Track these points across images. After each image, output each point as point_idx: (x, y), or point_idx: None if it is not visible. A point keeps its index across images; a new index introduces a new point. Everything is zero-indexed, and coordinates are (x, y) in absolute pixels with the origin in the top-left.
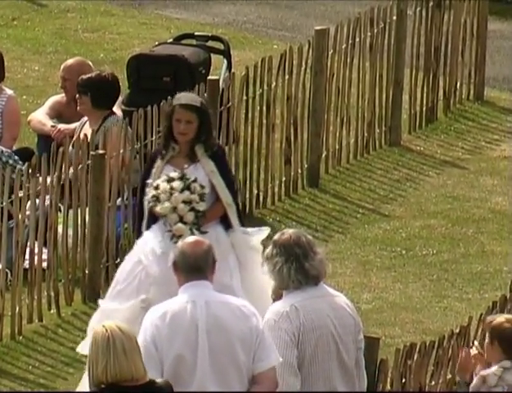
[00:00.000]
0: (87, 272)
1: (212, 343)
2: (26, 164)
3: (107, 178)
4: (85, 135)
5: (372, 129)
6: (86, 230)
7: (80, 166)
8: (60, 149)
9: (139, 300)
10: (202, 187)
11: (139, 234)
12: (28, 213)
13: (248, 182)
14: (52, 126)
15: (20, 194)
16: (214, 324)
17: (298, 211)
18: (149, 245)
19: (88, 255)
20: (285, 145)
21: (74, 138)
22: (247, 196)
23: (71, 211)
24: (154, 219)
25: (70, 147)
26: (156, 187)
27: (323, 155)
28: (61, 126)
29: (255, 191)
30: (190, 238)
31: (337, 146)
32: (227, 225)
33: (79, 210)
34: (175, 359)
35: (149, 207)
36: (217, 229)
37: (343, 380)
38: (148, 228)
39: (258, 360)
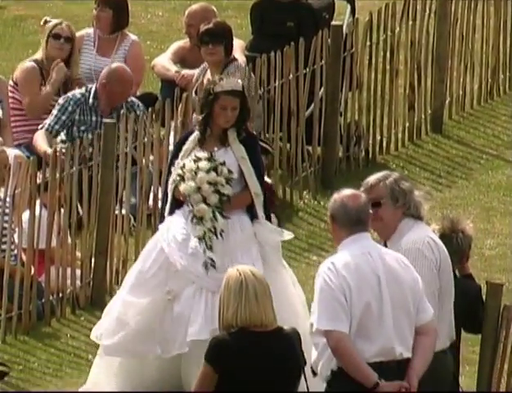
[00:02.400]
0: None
1: (391, 294)
2: (150, 109)
3: None
4: (208, 80)
5: (496, 75)
6: None
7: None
8: (184, 94)
9: (164, 292)
10: (230, 171)
11: (162, 218)
12: (151, 158)
13: (371, 127)
14: (176, 71)
15: (144, 140)
16: (391, 275)
17: (422, 157)
18: (171, 231)
19: None
20: (408, 91)
21: (197, 84)
22: (370, 141)
23: None
24: (178, 203)
25: (193, 93)
26: (182, 167)
27: (447, 101)
28: (185, 72)
29: (378, 137)
30: (347, 191)
31: (461, 92)
32: (253, 215)
33: None
34: (363, 308)
35: (172, 188)
36: (241, 218)
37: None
38: (171, 213)
39: (421, 311)
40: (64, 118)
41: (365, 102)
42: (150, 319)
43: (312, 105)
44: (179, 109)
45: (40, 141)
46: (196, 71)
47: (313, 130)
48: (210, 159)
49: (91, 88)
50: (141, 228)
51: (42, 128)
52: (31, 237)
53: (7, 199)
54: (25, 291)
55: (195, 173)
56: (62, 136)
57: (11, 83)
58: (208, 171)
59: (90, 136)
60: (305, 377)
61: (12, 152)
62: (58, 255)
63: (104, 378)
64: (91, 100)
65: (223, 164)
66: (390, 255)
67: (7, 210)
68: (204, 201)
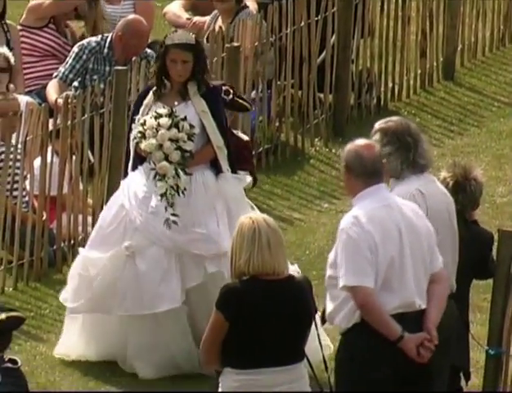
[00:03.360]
0: None
1: (411, 246)
2: None
3: (242, 70)
4: (220, 28)
5: (508, 22)
6: None
7: (215, 59)
8: None
9: (123, 247)
10: (191, 126)
11: (125, 174)
12: None
13: (383, 74)
14: (187, 19)
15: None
16: (409, 227)
17: (434, 104)
18: (132, 188)
19: None
20: (420, 37)
21: (209, 31)
22: (382, 89)
23: None
24: (140, 159)
25: (205, 40)
26: (143, 124)
27: (459, 48)
28: (196, 19)
29: (390, 84)
30: (361, 141)
31: (473, 39)
32: (217, 170)
33: None
34: (388, 262)
35: (134, 144)
36: (205, 173)
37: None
38: (134, 168)
39: (434, 259)
40: (78, 66)
41: (377, 49)
42: (112, 275)
43: (324, 52)
44: None
45: (51, 90)
46: (208, 18)
47: (325, 77)
48: (171, 115)
49: (106, 37)
50: None
51: (55, 77)
52: (43, 183)
53: (19, 146)
54: (37, 237)
55: (156, 130)
56: (75, 84)
57: (19, 27)
58: (169, 128)
59: (102, 86)
60: (316, 325)
61: (24, 99)
62: (70, 201)
63: (75, 340)
64: (105, 50)
65: (184, 119)
66: (406, 205)
67: (19, 157)
68: (166, 158)
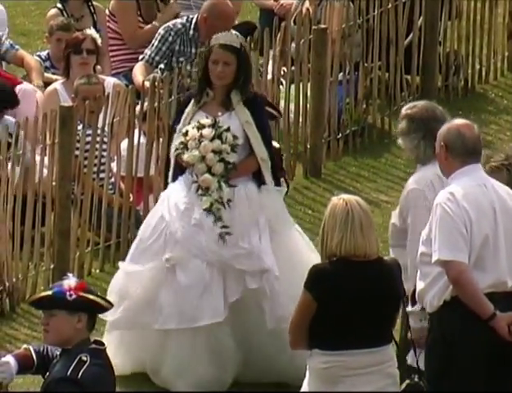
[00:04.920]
0: (308, 146)
1: (505, 227)
2: (248, 38)
3: (329, 52)
4: (307, 10)
5: None
6: (308, 105)
7: (302, 41)
8: (283, 23)
9: (164, 259)
10: (235, 137)
11: (166, 185)
12: None
13: (470, 57)
14: (275, 0)
15: None
16: (504, 208)
17: None
18: (172, 199)
19: (310, 129)
20: (508, 19)
21: (296, 13)
22: (469, 71)
23: (293, 86)
24: (181, 169)
25: (292, 22)
26: (185, 134)
27: None
28: (283, 0)
29: (478, 67)
30: (461, 120)
31: None
32: (260, 182)
33: (301, 85)
34: (482, 240)
35: (175, 155)
36: (248, 186)
37: None
38: (174, 179)
39: None
40: (164, 48)
41: (464, 31)
42: (152, 288)
43: (411, 34)
44: (278, 38)
45: (138, 73)
46: (295, 0)
47: (412, 59)
48: (214, 125)
49: (192, 19)
50: None
51: (142, 60)
52: (130, 165)
53: (105, 128)
54: (123, 219)
55: (199, 141)
56: (161, 66)
57: (107, 12)
58: (212, 139)
59: (188, 67)
60: (404, 308)
61: (111, 81)
62: (156, 183)
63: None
64: (191, 31)
65: (228, 130)
66: (500, 187)
67: (105, 139)
68: (209, 170)
